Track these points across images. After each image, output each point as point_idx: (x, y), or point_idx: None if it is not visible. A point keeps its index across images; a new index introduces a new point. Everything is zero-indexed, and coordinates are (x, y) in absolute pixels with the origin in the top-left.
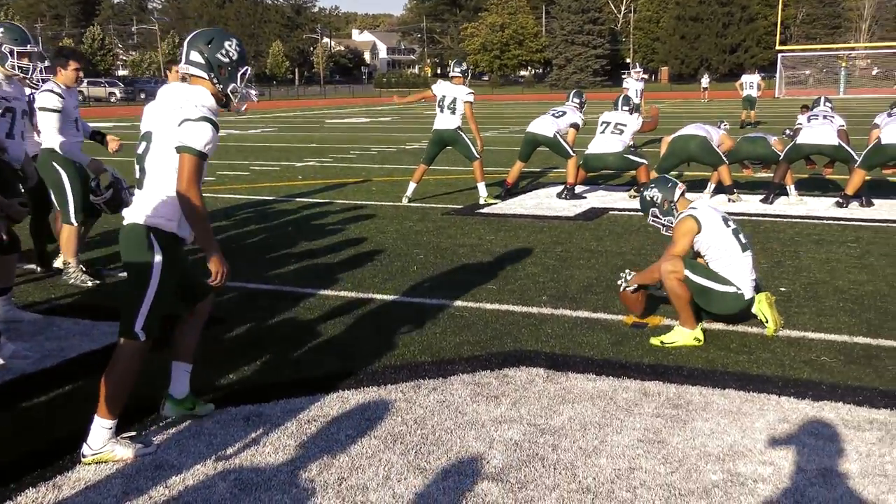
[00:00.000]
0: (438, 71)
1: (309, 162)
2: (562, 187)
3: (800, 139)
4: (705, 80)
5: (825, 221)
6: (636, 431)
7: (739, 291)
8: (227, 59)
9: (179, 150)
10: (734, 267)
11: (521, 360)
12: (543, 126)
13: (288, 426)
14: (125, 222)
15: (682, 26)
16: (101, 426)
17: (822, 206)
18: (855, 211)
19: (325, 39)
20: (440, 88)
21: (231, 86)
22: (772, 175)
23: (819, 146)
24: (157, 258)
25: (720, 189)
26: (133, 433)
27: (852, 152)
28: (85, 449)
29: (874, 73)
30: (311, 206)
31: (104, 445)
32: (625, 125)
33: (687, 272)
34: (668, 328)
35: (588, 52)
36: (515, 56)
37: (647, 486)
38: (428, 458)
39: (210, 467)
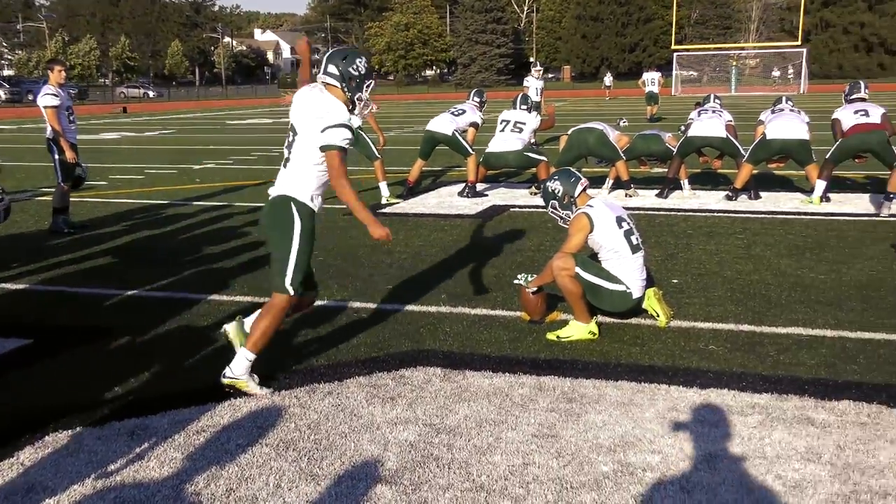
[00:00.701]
0: None
1: (207, 164)
2: (463, 185)
3: (690, 133)
4: (608, 79)
5: (716, 214)
6: (531, 427)
7: (628, 290)
8: (356, 73)
9: (325, 148)
10: (624, 266)
11: (418, 359)
12: (442, 124)
13: (175, 438)
14: (272, 196)
15: (582, 26)
16: (244, 356)
17: (713, 200)
18: (743, 203)
19: (227, 39)
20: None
21: (357, 94)
22: (667, 170)
23: (708, 139)
24: (298, 224)
25: (619, 184)
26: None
27: (740, 147)
28: (227, 371)
29: (774, 74)
30: (208, 209)
31: (243, 374)
32: (524, 123)
33: (578, 269)
34: (566, 323)
35: (492, 52)
36: (420, 55)
37: (539, 480)
38: (321, 464)
39: (88, 487)
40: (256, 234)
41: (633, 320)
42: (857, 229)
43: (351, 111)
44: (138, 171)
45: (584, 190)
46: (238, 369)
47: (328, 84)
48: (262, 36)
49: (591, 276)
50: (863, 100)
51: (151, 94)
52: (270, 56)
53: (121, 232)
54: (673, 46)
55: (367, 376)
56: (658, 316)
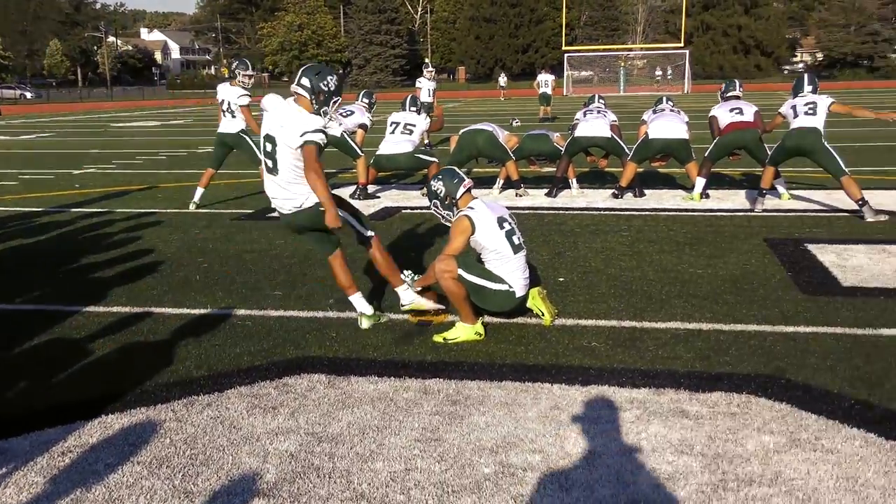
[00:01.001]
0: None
1: (88, 169)
2: (354, 188)
3: (576, 133)
4: (502, 80)
5: (602, 212)
6: (414, 431)
7: (511, 289)
8: (325, 89)
9: (304, 144)
10: (506, 266)
11: (302, 367)
12: (330, 126)
13: (37, 461)
14: (307, 206)
15: (476, 27)
16: (401, 290)
17: (600, 198)
18: (629, 201)
19: (111, 38)
20: (221, 92)
21: (324, 108)
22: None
23: (594, 139)
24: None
25: (509, 184)
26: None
27: (624, 146)
28: (402, 301)
29: (657, 74)
30: (87, 216)
31: (412, 298)
32: (413, 125)
33: (461, 271)
34: (453, 324)
35: (387, 52)
36: (315, 56)
37: (420, 486)
38: (196, 480)
39: None
40: (138, 242)
41: (519, 319)
42: (733, 224)
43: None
44: (11, 176)
45: (468, 191)
46: (407, 298)
47: (299, 95)
48: (150, 35)
49: (474, 277)
50: (737, 98)
51: (29, 95)
52: (158, 56)
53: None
54: (564, 48)
55: (248, 386)
56: (542, 315)
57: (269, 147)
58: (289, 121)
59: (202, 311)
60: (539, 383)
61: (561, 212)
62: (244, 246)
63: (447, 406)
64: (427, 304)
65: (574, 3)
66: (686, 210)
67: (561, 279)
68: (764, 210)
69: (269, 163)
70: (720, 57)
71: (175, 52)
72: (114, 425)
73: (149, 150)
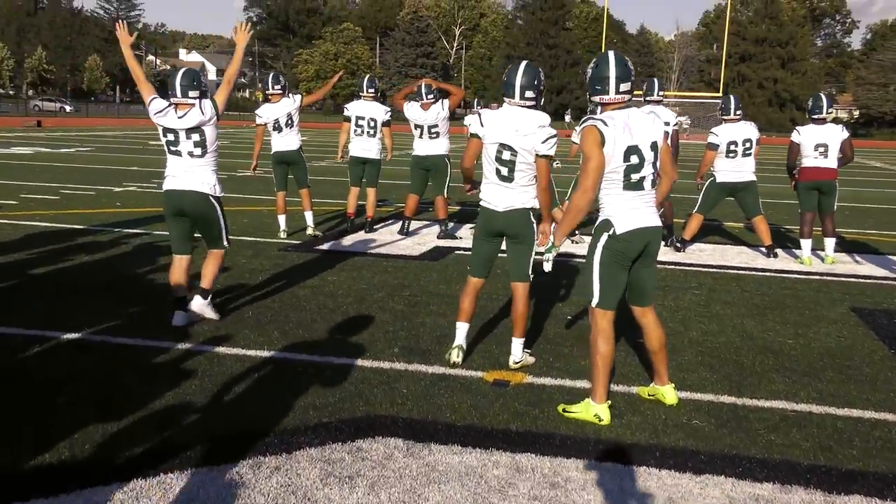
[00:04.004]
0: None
1: (129, 187)
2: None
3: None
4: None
5: (666, 266)
6: None
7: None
8: (542, 88)
9: (542, 157)
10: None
11: (375, 428)
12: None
13: None
14: (518, 208)
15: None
16: (517, 343)
17: (662, 251)
18: (690, 256)
19: (150, 57)
20: (279, 109)
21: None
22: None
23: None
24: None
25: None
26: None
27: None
28: (512, 358)
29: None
30: (130, 237)
31: (522, 356)
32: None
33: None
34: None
35: None
36: (349, 86)
37: None
38: None
39: None
40: None
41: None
42: (810, 288)
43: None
44: (53, 191)
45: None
46: (517, 355)
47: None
48: (188, 56)
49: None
50: (823, 120)
51: (68, 108)
52: None
53: (30, 260)
54: None
55: (319, 447)
56: (664, 398)
57: (505, 154)
58: (531, 128)
59: (258, 352)
60: (645, 467)
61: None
62: (295, 280)
63: (546, 489)
64: (532, 360)
65: (610, 47)
66: (755, 269)
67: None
68: (839, 275)
69: (505, 171)
70: (755, 109)
71: (212, 74)
72: (174, 486)
73: None
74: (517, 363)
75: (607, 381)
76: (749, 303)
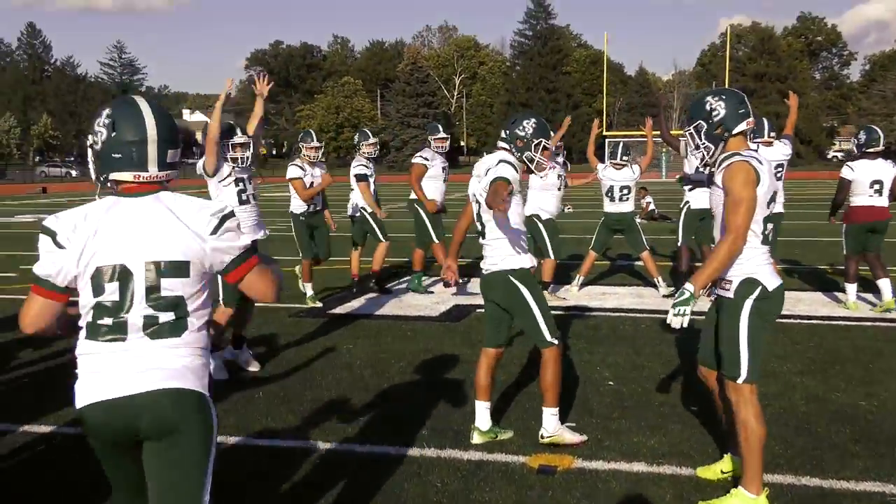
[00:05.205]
0: (273, 152)
1: None
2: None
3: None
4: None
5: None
6: None
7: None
8: (522, 134)
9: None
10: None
11: None
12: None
13: None
14: (497, 270)
15: (512, 112)
16: (549, 414)
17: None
18: None
19: None
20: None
21: (526, 153)
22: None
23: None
24: (526, 288)
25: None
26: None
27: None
28: (543, 432)
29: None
30: None
31: (556, 429)
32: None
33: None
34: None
35: (424, 135)
36: (351, 138)
37: None
38: None
39: None
40: None
41: (667, 468)
42: (865, 336)
43: (528, 172)
44: None
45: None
46: (550, 427)
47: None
48: (191, 116)
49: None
50: (877, 154)
51: (74, 173)
52: (199, 136)
53: (35, 341)
54: (603, 132)
55: None
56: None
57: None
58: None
59: (274, 442)
60: None
61: (652, 315)
62: (309, 351)
63: None
64: (571, 437)
65: (610, 90)
66: (800, 317)
67: (694, 408)
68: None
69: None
70: None
71: None
72: None
73: None
74: (549, 437)
75: (762, 468)
76: (804, 356)
